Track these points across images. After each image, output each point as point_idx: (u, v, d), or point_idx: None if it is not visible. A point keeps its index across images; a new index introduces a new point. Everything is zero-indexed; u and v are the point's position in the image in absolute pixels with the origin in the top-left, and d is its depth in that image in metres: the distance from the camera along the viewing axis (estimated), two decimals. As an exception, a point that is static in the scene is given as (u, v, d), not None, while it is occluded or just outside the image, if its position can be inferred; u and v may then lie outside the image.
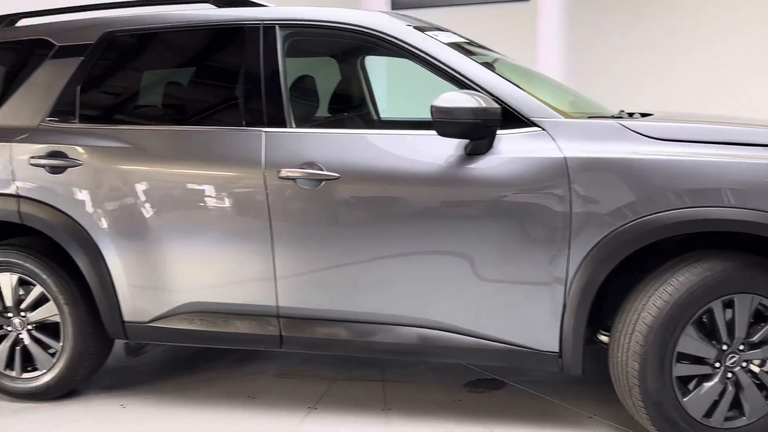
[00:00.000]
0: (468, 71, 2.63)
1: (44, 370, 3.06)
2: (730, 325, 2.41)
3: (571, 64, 6.45)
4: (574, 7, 6.78)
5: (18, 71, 3.14)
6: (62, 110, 3.01)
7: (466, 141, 2.51)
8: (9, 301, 3.07)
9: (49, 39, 3.08)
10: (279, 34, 2.80)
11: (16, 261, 3.01)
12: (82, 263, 2.93)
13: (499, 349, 2.59)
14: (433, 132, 2.50)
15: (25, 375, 3.10)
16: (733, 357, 2.42)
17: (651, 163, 2.38)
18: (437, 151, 2.55)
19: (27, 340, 3.08)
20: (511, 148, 2.50)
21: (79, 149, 2.92)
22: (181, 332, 2.91)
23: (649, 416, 2.45)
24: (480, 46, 3.14)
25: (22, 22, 3.31)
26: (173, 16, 3.00)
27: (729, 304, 2.40)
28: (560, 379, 3.14)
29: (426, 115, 2.49)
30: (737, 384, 2.43)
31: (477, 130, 2.44)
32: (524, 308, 2.54)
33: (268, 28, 2.81)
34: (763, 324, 2.43)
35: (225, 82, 3.13)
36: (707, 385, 2.43)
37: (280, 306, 2.77)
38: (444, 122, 2.43)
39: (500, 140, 2.50)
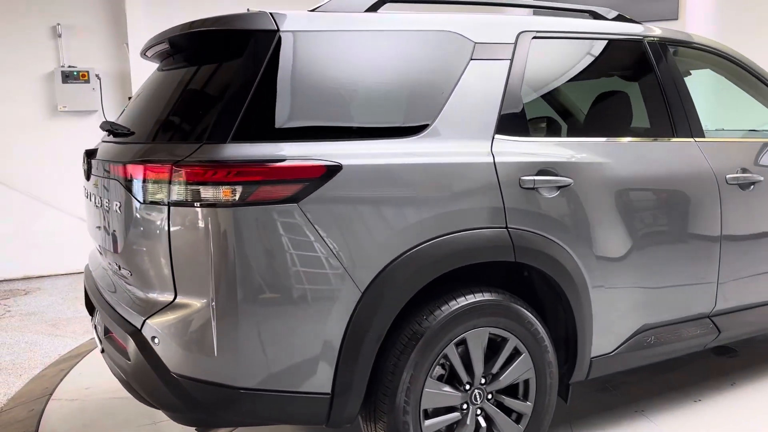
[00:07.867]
0: None
1: (507, 442, 2.55)
2: None
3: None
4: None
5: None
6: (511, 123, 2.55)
7: None
8: (479, 368, 2.44)
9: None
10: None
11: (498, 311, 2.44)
12: (574, 300, 2.57)
13: None
14: None
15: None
16: None
17: None
18: None
19: (491, 411, 2.49)
20: None
21: (569, 166, 2.57)
22: (643, 354, 2.83)
23: None
24: None
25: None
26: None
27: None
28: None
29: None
30: None
31: None
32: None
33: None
34: None
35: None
36: None
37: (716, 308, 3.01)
38: None
39: None
